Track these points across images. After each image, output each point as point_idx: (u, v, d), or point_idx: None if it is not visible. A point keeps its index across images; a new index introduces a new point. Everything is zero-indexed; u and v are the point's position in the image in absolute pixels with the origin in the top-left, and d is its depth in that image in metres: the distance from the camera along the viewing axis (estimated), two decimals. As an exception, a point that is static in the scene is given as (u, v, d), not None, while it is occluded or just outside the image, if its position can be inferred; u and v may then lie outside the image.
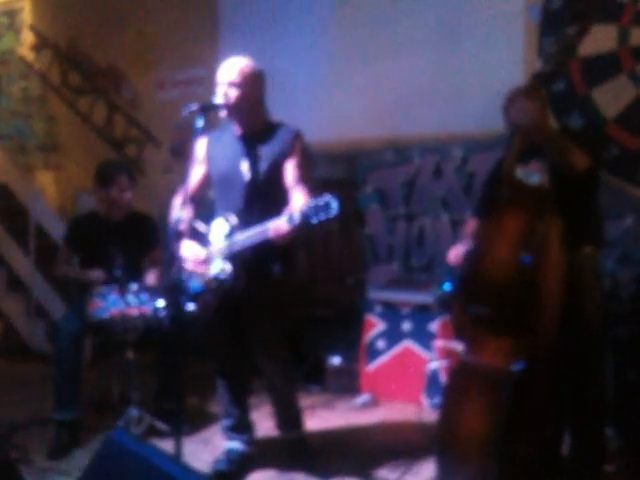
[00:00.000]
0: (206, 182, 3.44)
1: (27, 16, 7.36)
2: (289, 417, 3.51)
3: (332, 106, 5.37)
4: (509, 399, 2.64)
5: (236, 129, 3.32)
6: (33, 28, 7.28)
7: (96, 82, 6.86)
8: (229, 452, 3.48)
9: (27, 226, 6.12)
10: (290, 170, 3.24)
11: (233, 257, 3.16)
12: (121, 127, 6.68)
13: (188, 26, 6.15)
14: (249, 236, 3.09)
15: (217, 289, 3.21)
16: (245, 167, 3.23)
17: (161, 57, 6.34)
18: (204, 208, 3.47)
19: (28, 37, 7.34)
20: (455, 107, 4.89)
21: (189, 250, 3.25)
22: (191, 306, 3.20)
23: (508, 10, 4.75)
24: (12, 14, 7.47)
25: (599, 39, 4.31)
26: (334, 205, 2.78)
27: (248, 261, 3.17)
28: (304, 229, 2.90)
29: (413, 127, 5.07)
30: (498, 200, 2.85)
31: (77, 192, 6.54)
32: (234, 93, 3.19)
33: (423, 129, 5.03)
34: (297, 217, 2.86)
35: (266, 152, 3.24)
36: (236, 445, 3.50)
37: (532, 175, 2.92)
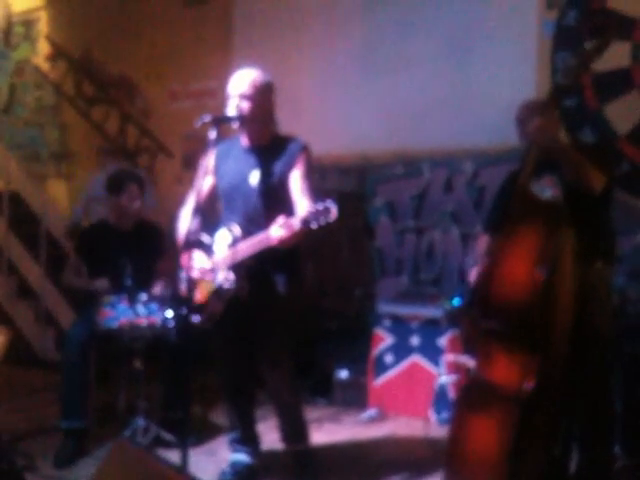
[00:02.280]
0: (214, 194, 3.45)
1: (43, 26, 7.44)
2: (295, 430, 3.49)
3: (343, 119, 5.38)
4: (520, 417, 2.62)
5: (244, 141, 3.33)
6: (49, 38, 7.35)
7: (109, 92, 6.91)
8: (234, 464, 3.47)
9: (38, 234, 6.15)
10: (295, 181, 3.24)
11: (236, 266, 3.16)
12: (134, 137, 6.72)
13: (201, 38, 6.20)
14: (250, 244, 3.09)
15: (222, 298, 3.21)
16: (252, 178, 3.24)
17: (174, 68, 6.38)
18: (213, 220, 3.48)
19: (44, 47, 7.41)
20: (466, 121, 4.89)
21: (195, 260, 3.26)
22: (195, 318, 3.20)
23: (521, 24, 4.76)
24: (28, 24, 7.54)
25: (612, 55, 4.29)
26: (333, 210, 2.80)
27: (253, 273, 3.17)
28: (305, 234, 2.91)
29: (424, 140, 5.07)
30: (512, 214, 2.84)
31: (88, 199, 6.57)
32: (246, 105, 3.20)
33: (433, 143, 5.03)
34: (296, 222, 2.87)
35: (273, 164, 3.24)
36: (241, 457, 3.49)
37: (546, 190, 2.90)
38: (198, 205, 3.21)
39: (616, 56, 4.36)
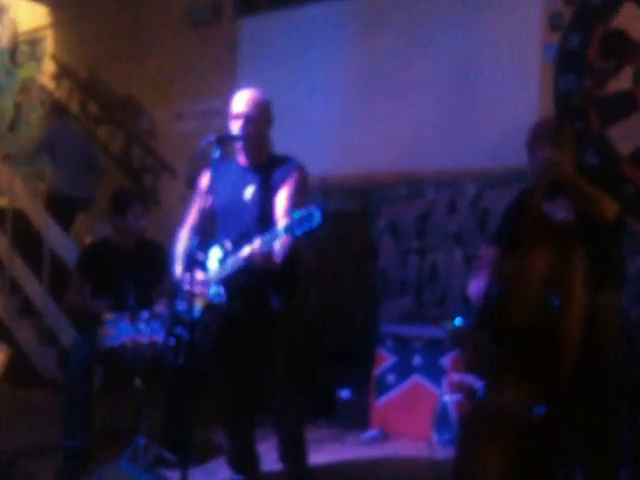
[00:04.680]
0: (211, 214, 3.46)
1: (49, 45, 7.49)
2: (294, 449, 3.47)
3: (347, 140, 5.40)
4: (528, 443, 2.60)
5: (242, 160, 3.35)
6: (54, 57, 7.40)
7: (115, 112, 6.95)
8: None
9: (42, 252, 6.15)
10: (281, 199, 3.23)
11: (226, 281, 3.16)
12: (138, 157, 6.75)
13: (207, 59, 6.24)
14: (237, 259, 3.07)
15: (214, 313, 3.22)
16: (246, 195, 3.27)
17: (179, 89, 6.42)
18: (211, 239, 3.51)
19: (49, 66, 7.46)
20: (469, 142, 4.91)
21: (187, 274, 3.25)
22: (186, 334, 3.18)
23: (524, 47, 4.79)
24: (34, 43, 7.61)
25: (615, 78, 4.34)
26: (317, 215, 2.74)
27: (247, 290, 3.18)
28: (293, 246, 2.93)
29: (427, 162, 5.09)
30: (524, 236, 2.81)
31: (93, 221, 6.59)
32: (248, 125, 3.23)
33: (437, 164, 5.05)
34: (281, 231, 2.84)
35: (267, 181, 3.26)
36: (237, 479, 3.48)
37: (558, 211, 2.87)
38: (196, 224, 3.29)
39: (619, 79, 4.39)
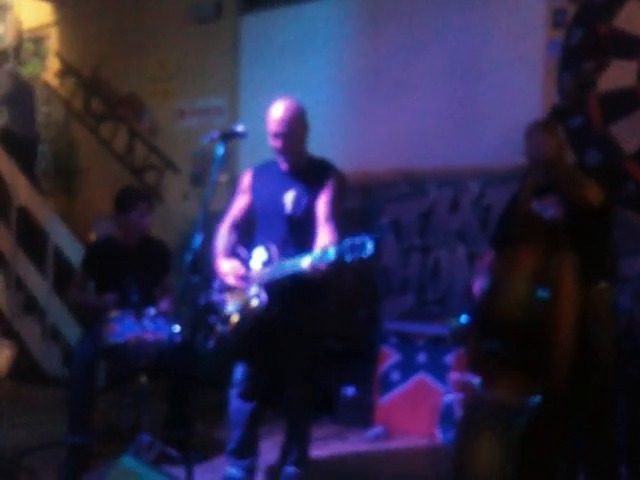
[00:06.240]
0: (250, 212, 3.54)
1: (53, 43, 7.50)
2: (298, 452, 3.48)
3: (349, 137, 5.41)
4: (521, 436, 2.61)
5: (282, 165, 3.41)
6: (58, 55, 7.42)
7: (117, 110, 6.96)
8: (227, 478, 3.48)
9: (45, 249, 6.17)
10: (321, 206, 3.32)
11: (268, 285, 3.22)
12: (141, 154, 6.76)
13: (209, 56, 6.25)
14: (285, 268, 3.15)
15: (250, 314, 3.26)
16: (287, 201, 3.33)
17: (182, 86, 6.43)
18: (249, 237, 3.55)
19: (53, 63, 7.47)
20: (472, 140, 4.91)
21: (229, 266, 3.35)
22: (224, 329, 3.25)
23: (527, 44, 4.79)
24: (38, 41, 7.62)
25: (617, 75, 4.33)
26: (369, 246, 2.82)
27: (284, 290, 3.22)
28: (338, 266, 2.95)
29: (430, 160, 5.09)
30: (513, 234, 2.86)
31: (95, 218, 6.60)
32: (289, 143, 3.29)
33: (440, 162, 5.05)
34: (332, 255, 2.91)
35: (306, 187, 3.34)
36: (235, 472, 3.49)
37: (548, 209, 2.92)
38: (235, 222, 3.45)
39: (622, 76, 4.39)
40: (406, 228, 5.24)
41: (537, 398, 2.64)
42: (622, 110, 4.45)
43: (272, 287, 3.22)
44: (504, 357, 2.75)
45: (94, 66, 7.10)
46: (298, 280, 3.13)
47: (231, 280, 3.33)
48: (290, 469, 3.45)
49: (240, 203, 3.55)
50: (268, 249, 3.30)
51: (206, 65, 6.25)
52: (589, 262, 2.81)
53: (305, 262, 3.02)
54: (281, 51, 5.77)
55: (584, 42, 4.53)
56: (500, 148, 4.60)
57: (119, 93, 6.93)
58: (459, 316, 4.33)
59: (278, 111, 3.31)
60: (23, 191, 6.54)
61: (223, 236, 3.48)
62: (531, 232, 2.82)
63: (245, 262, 3.38)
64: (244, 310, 3.28)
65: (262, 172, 3.51)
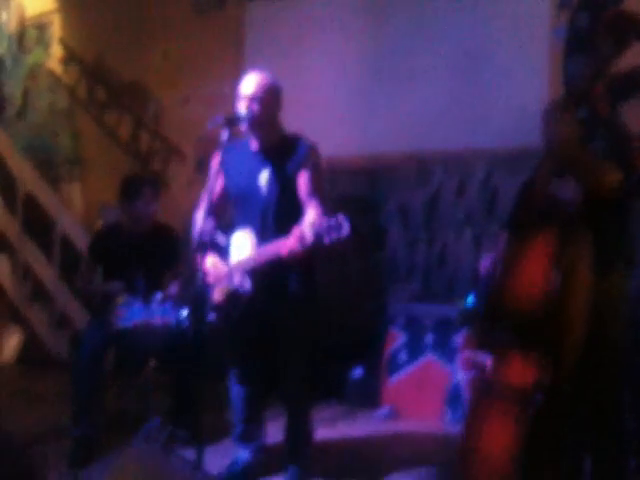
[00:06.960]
0: (224, 196, 3.48)
1: (57, 30, 7.48)
2: (301, 449, 3.47)
3: (354, 123, 5.39)
4: (530, 420, 2.61)
5: (253, 144, 3.35)
6: (62, 42, 7.40)
7: (122, 97, 6.95)
8: (236, 462, 3.50)
9: (53, 237, 6.19)
10: (303, 183, 3.26)
11: (250, 272, 3.19)
12: (146, 142, 6.76)
13: (214, 43, 6.23)
14: (263, 253, 3.13)
15: (237, 302, 3.24)
16: (262, 182, 3.28)
17: (186, 74, 6.41)
18: (226, 220, 3.51)
19: (57, 51, 7.46)
20: (478, 124, 4.89)
21: (211, 264, 3.30)
22: (211, 316, 3.24)
23: (533, 27, 4.76)
24: (42, 27, 7.59)
25: (625, 56, 4.29)
26: (345, 225, 2.80)
27: (265, 277, 3.19)
28: (316, 248, 2.92)
29: (436, 143, 5.07)
30: (530, 215, 2.82)
31: (101, 205, 6.61)
32: (256, 107, 3.23)
33: (446, 145, 5.03)
34: (309, 237, 2.87)
35: (282, 166, 3.27)
36: (244, 454, 3.51)
37: (565, 193, 2.87)
38: (211, 206, 3.27)
39: (630, 57, 4.35)
40: (412, 214, 5.23)
41: (546, 383, 2.63)
42: (630, 92, 4.41)
43: (253, 273, 3.18)
44: (514, 341, 2.73)
45: (98, 53, 7.08)
46: (281, 265, 3.09)
47: (212, 280, 3.28)
48: (293, 469, 3.44)
49: (213, 187, 3.38)
50: (246, 234, 3.26)
51: (211, 52, 6.23)
52: (605, 248, 2.75)
53: (283, 247, 2.99)
54: (286, 38, 5.75)
55: (600, 25, 4.47)
56: (506, 131, 4.58)
57: (123, 81, 6.92)
58: (467, 297, 4.34)
59: (252, 77, 3.29)
60: (29, 179, 6.56)
61: (199, 224, 3.34)
62: (548, 213, 2.77)
63: (224, 251, 3.32)
64: (230, 299, 3.25)
65: (232, 153, 3.37)
